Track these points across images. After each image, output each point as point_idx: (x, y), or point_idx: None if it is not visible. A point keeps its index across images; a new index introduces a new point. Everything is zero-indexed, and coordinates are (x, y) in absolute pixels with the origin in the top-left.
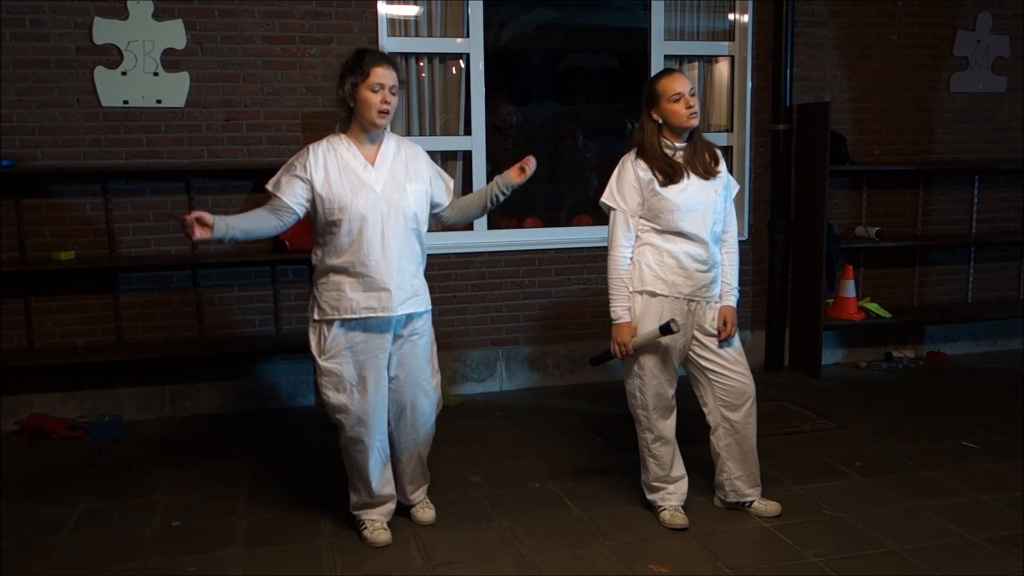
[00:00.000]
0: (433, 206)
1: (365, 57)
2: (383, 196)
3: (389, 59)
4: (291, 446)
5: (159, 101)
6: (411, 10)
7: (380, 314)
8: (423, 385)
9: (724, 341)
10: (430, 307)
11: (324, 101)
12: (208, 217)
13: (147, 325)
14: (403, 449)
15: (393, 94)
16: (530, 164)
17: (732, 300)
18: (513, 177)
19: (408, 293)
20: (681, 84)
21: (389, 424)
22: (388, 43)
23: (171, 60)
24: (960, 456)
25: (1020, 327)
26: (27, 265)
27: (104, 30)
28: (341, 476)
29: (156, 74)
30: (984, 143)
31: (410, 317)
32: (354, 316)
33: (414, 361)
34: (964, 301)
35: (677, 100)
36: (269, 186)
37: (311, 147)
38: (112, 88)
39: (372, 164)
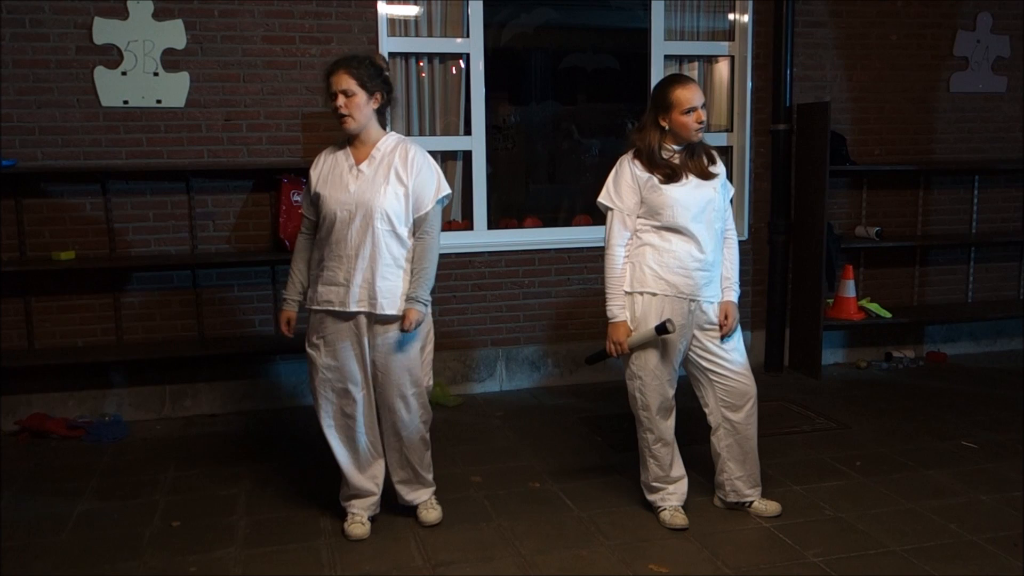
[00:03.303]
0: (415, 210)
1: (326, 71)
2: (355, 196)
3: (342, 62)
4: (291, 446)
5: (159, 101)
6: (411, 10)
7: (337, 308)
8: (400, 390)
9: (725, 336)
10: (398, 311)
11: (324, 101)
12: (292, 313)
13: (147, 325)
14: (388, 448)
15: (348, 95)
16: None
17: (733, 295)
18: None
19: (368, 292)
20: (696, 97)
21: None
22: (388, 43)
23: (171, 60)
24: (960, 456)
25: (1020, 327)
26: (27, 265)
27: (104, 30)
28: (340, 475)
29: (156, 74)
30: (984, 143)
31: (381, 319)
32: (316, 308)
33: (388, 364)
34: (964, 301)
35: (690, 113)
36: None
37: (320, 153)
38: (112, 88)
39: (358, 165)
